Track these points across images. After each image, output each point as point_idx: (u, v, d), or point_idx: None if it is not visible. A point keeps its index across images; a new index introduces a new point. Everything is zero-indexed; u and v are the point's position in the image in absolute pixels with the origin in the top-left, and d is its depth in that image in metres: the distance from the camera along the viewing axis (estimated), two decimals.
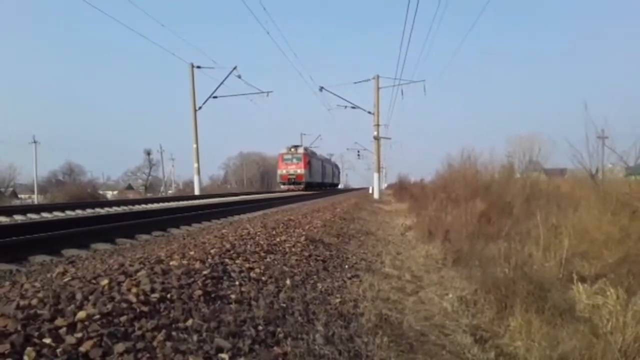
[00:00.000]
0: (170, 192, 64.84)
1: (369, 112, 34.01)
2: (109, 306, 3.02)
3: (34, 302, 2.99)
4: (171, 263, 4.55)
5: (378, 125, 33.85)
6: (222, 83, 29.02)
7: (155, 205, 16.87)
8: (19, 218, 11.60)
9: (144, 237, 8.52)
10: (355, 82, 33.70)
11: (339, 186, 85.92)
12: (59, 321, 2.71)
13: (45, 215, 12.43)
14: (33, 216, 12.08)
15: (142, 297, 3.32)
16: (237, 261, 5.29)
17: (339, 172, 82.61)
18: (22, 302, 2.97)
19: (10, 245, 6.20)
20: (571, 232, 7.73)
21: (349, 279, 6.28)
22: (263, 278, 4.91)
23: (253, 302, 4.03)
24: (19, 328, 2.55)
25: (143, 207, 16.27)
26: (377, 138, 34.41)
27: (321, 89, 32.84)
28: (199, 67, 29.76)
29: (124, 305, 3.11)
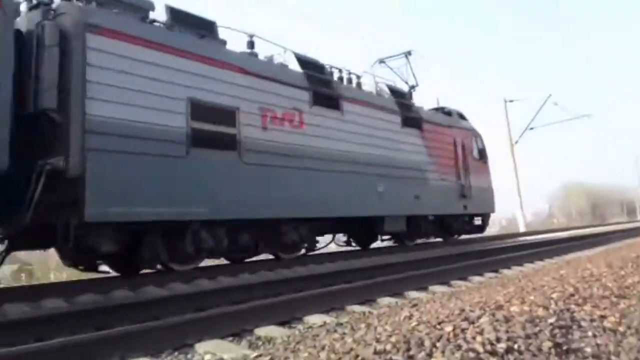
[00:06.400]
0: (494, 230, 63.59)
1: None
2: (457, 355, 2.97)
3: (388, 347, 3.19)
4: (511, 309, 4.27)
5: None
6: None
7: (484, 244, 16.70)
8: (366, 260, 13.11)
9: (477, 278, 8.42)
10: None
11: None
12: None
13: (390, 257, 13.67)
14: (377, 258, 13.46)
15: (488, 347, 3.16)
16: (585, 308, 4.61)
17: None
18: (378, 347, 3.20)
19: (362, 288, 6.98)
20: None
21: None
22: (620, 328, 4.12)
23: (613, 357, 3.40)
24: None
25: (471, 246, 16.31)
26: None
27: None
28: None
29: (472, 354, 3.02)
